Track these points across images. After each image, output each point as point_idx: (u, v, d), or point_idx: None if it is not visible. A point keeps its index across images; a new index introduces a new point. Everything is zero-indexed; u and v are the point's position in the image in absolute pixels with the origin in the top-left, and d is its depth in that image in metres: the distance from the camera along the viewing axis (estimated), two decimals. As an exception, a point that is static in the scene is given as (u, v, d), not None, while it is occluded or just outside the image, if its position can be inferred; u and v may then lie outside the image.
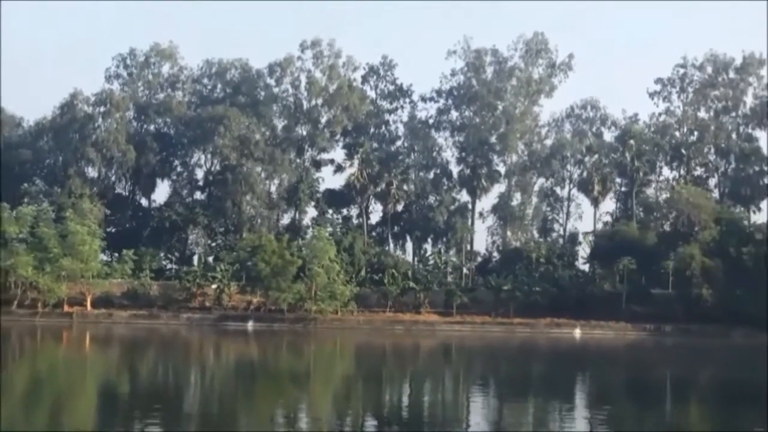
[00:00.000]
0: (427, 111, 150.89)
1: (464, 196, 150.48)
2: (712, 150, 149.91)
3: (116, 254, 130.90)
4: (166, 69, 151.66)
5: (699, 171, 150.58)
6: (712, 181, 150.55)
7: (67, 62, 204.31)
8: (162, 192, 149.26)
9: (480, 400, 54.15)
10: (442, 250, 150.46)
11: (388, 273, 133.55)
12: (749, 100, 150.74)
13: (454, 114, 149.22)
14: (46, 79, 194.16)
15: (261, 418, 41.91)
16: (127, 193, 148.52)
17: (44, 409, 41.71)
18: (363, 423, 40.77)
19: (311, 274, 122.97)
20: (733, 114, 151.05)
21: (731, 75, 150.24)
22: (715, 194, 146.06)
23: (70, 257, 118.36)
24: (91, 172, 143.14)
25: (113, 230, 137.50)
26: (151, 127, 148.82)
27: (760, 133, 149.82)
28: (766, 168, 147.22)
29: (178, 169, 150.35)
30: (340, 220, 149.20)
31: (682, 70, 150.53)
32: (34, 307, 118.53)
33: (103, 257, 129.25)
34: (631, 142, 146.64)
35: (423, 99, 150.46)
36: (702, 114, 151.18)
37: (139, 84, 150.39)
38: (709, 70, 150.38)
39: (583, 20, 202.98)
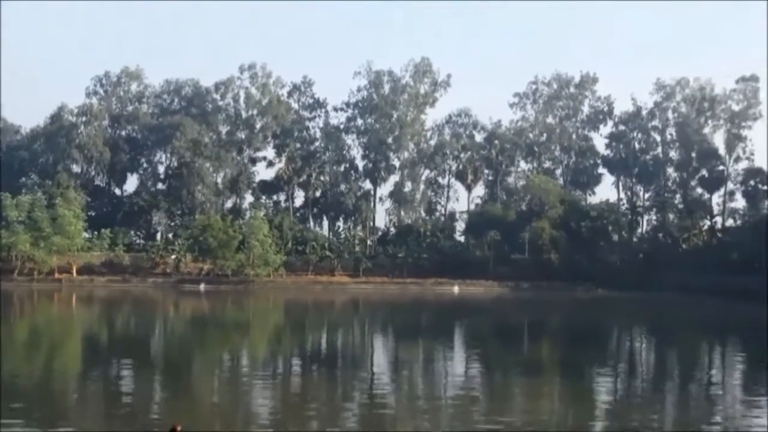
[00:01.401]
0: (338, 119, 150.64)
1: (367, 185, 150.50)
2: (558, 148, 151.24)
3: (96, 232, 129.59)
4: (134, 87, 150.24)
5: (548, 164, 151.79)
6: (558, 172, 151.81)
7: (53, 79, 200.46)
8: (131, 183, 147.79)
9: (381, 341, 54.75)
10: (351, 227, 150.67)
11: (310, 244, 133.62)
12: (585, 109, 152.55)
13: (359, 121, 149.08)
14: (36, 93, 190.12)
15: (212, 357, 42.13)
16: (104, 185, 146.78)
17: (43, 351, 41.68)
18: (291, 360, 41.08)
19: (249, 246, 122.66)
20: (573, 120, 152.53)
21: (572, 90, 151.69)
22: (560, 181, 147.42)
23: (59, 235, 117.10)
24: (75, 169, 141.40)
25: (93, 213, 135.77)
26: (123, 133, 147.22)
27: (593, 135, 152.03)
28: (598, 161, 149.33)
29: (144, 165, 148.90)
30: (272, 204, 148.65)
31: (534, 86, 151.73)
32: (31, 274, 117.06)
33: (86, 235, 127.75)
34: (496, 141, 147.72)
35: (335, 109, 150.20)
36: (550, 120, 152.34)
37: (113, 99, 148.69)
38: (555, 86, 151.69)
39: (458, 45, 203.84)
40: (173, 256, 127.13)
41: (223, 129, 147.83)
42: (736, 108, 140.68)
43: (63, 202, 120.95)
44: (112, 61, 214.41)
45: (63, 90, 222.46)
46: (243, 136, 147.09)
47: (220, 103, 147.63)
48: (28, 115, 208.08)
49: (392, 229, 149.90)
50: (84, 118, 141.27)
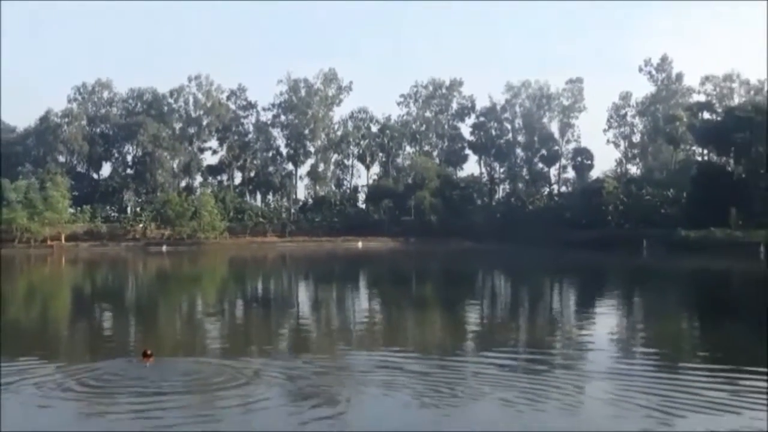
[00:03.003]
0: (266, 116, 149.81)
1: (290, 167, 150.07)
2: (434, 135, 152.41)
3: (79, 208, 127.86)
4: (106, 94, 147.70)
5: (427, 147, 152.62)
6: (435, 153, 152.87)
7: (38, 89, 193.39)
8: (106, 169, 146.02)
9: (304, 285, 54.73)
10: (278, 199, 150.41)
11: (247, 213, 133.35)
12: (454, 105, 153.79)
13: (282, 118, 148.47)
14: (24, 98, 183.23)
15: (173, 301, 41.77)
16: (84, 171, 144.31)
17: (39, 301, 40.81)
18: (235, 301, 40.94)
19: (200, 215, 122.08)
20: (445, 114, 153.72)
21: (443, 91, 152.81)
22: (437, 161, 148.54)
23: (50, 211, 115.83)
24: (61, 159, 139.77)
25: (76, 194, 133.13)
26: (98, 130, 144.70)
27: (460, 125, 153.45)
28: (465, 145, 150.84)
29: (116, 155, 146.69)
30: (217, 183, 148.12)
31: (415, 89, 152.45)
32: (28, 242, 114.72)
33: (71, 210, 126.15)
34: (387, 131, 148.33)
35: (264, 109, 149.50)
36: (428, 114, 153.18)
37: (89, 104, 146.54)
38: (431, 88, 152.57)
39: (360, 54, 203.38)
40: (141, 225, 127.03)
41: (177, 126, 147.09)
42: (566, 103, 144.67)
43: (52, 185, 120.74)
44: (88, 73, 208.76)
45: (46, 97, 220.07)
46: (193, 131, 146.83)
47: (174, 105, 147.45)
48: (21, 118, 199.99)
49: (310, 200, 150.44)
50: (67, 119, 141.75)
